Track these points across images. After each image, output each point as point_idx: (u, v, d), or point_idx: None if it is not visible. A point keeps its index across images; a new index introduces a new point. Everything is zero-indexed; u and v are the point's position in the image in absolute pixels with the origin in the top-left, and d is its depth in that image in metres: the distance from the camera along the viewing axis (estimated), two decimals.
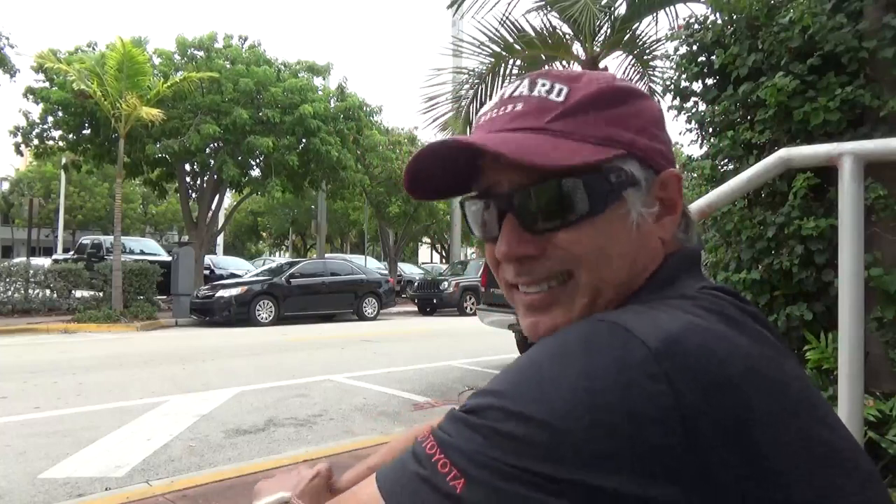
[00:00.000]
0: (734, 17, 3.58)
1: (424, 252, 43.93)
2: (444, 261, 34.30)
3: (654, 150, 0.61)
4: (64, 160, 18.88)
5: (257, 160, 17.99)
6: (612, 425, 0.44)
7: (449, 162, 0.62)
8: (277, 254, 47.24)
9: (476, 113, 6.82)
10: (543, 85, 0.61)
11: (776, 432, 0.46)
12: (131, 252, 19.16)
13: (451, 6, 7.23)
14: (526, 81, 0.63)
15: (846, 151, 1.37)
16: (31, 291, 14.56)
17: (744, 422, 0.45)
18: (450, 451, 0.47)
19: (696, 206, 1.65)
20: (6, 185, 42.27)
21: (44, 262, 18.67)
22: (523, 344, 7.47)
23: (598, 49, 6.94)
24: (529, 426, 0.45)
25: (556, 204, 0.58)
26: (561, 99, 0.60)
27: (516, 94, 0.62)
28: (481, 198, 0.63)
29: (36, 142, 16.82)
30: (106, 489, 3.64)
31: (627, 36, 7.03)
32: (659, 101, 7.28)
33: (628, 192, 0.59)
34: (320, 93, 18.36)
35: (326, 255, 25.60)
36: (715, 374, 0.46)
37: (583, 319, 0.54)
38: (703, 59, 3.76)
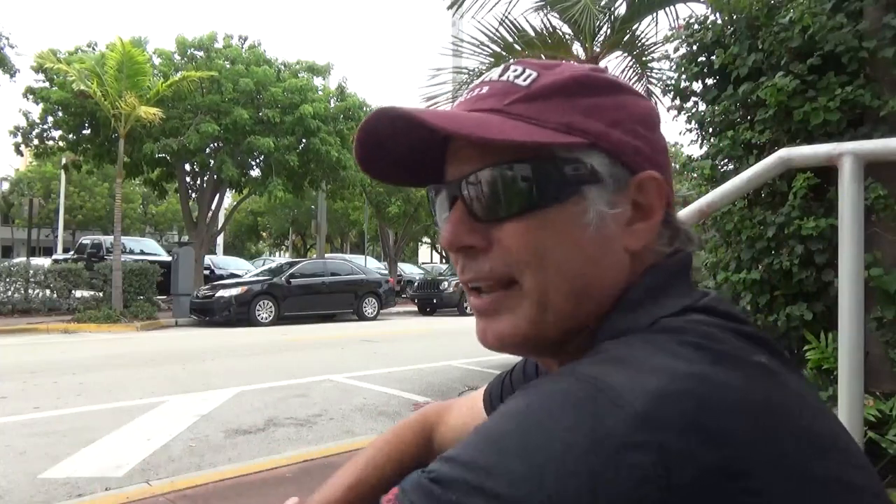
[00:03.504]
0: (734, 17, 3.58)
1: (424, 252, 43.95)
2: (444, 261, 34.32)
3: (631, 146, 0.55)
4: (64, 160, 18.91)
5: (257, 160, 18.03)
6: None
7: (402, 143, 0.58)
8: (277, 254, 47.25)
9: None
10: (515, 71, 0.57)
11: (784, 477, 0.42)
12: (131, 252, 19.16)
13: (451, 6, 7.23)
14: (500, 68, 0.59)
15: (846, 151, 1.37)
16: (31, 291, 14.57)
17: (751, 476, 0.41)
18: None
19: (696, 206, 1.65)
20: (6, 185, 42.30)
21: (44, 262, 18.70)
22: None
23: (597, 49, 6.94)
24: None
25: (502, 190, 0.53)
26: (526, 83, 0.56)
27: (486, 78, 0.59)
28: (439, 184, 0.60)
29: (36, 142, 16.85)
30: (106, 489, 3.64)
31: (627, 36, 7.03)
32: (657, 101, 7.30)
33: (588, 189, 0.53)
34: (320, 93, 18.40)
35: (326, 255, 25.61)
36: (714, 432, 0.41)
37: (560, 373, 0.48)
38: (703, 59, 3.76)
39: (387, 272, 21.90)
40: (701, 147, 3.93)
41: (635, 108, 0.57)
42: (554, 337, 0.55)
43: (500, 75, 0.58)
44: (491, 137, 0.51)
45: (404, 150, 0.59)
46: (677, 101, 4.01)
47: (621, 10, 6.86)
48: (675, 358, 0.45)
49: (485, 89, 0.58)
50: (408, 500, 0.46)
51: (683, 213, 1.64)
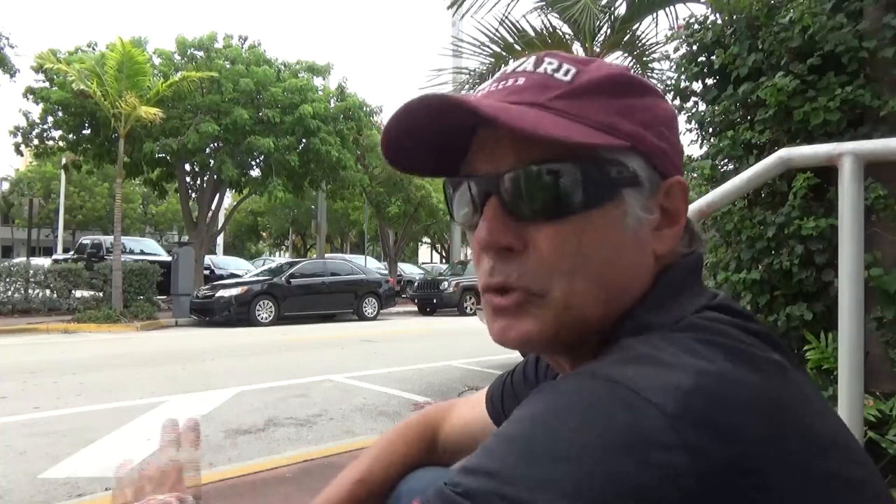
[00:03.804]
0: (734, 17, 3.58)
1: (424, 252, 43.94)
2: (444, 261, 34.32)
3: (662, 150, 0.56)
4: (64, 160, 18.91)
5: (257, 160, 18.03)
6: None
7: (433, 128, 0.55)
8: (277, 254, 47.24)
9: None
10: (550, 63, 0.56)
11: (794, 474, 0.43)
12: (131, 252, 19.16)
13: (451, 6, 7.23)
14: (532, 58, 0.57)
15: (846, 151, 1.37)
16: (31, 291, 14.56)
17: (767, 473, 0.42)
18: None
19: (696, 206, 1.65)
20: (6, 185, 42.29)
21: (44, 262, 18.69)
22: None
23: (598, 49, 6.94)
24: None
25: (547, 190, 0.52)
26: (567, 78, 0.54)
27: (519, 69, 0.57)
28: (466, 177, 0.57)
29: (36, 142, 16.85)
30: (106, 489, 3.63)
31: (627, 36, 7.04)
32: None
33: (628, 192, 0.53)
34: (320, 93, 18.40)
35: (326, 255, 25.61)
36: (737, 430, 0.42)
37: (580, 374, 0.47)
38: (703, 59, 3.76)
39: (387, 272, 21.89)
40: (701, 147, 3.93)
41: (661, 111, 0.57)
42: (577, 337, 0.55)
43: (536, 67, 0.56)
44: (555, 135, 0.49)
45: (430, 141, 0.57)
46: (677, 101, 4.01)
47: (621, 10, 6.87)
48: (694, 355, 0.45)
49: (520, 80, 0.55)
50: None
51: None
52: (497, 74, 0.59)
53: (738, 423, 0.42)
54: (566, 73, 0.55)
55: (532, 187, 0.52)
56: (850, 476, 0.46)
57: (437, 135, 0.56)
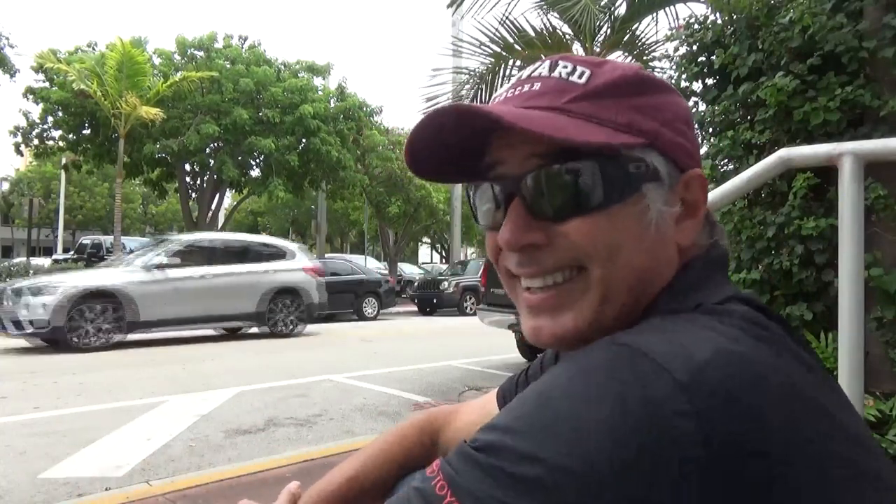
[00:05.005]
0: (734, 17, 3.58)
1: (424, 252, 43.93)
2: (444, 261, 34.31)
3: (680, 145, 0.57)
4: (64, 160, 18.94)
5: (257, 160, 18.06)
6: (634, 470, 0.41)
7: (454, 136, 0.57)
8: None
9: None
10: (565, 67, 0.58)
11: (809, 462, 0.43)
12: (131, 252, 19.14)
13: (450, 6, 7.23)
14: (547, 63, 0.59)
15: (846, 151, 1.37)
16: None
17: (779, 458, 0.42)
18: (460, 493, 0.45)
19: None
20: (6, 185, 42.30)
21: (44, 262, 18.71)
22: (523, 344, 7.45)
23: (598, 49, 6.94)
24: (542, 469, 0.42)
25: (568, 189, 0.54)
26: (583, 81, 0.56)
27: (535, 74, 0.59)
28: (488, 180, 0.59)
29: (36, 142, 16.89)
30: (106, 489, 3.63)
31: (627, 36, 7.04)
32: None
33: (648, 187, 0.55)
34: (320, 93, 18.44)
35: (326, 255, 25.61)
36: (750, 408, 0.42)
37: (600, 342, 0.49)
38: (703, 59, 3.76)
39: (387, 272, 21.88)
40: (701, 147, 3.93)
41: (678, 108, 0.59)
42: (606, 331, 0.55)
43: (551, 71, 0.58)
44: (575, 138, 0.51)
45: (452, 149, 0.59)
46: None
47: (621, 10, 6.87)
48: (719, 334, 0.47)
49: (536, 86, 0.57)
50: (450, 467, 0.47)
51: None
52: (513, 80, 0.61)
53: (760, 405, 0.43)
54: (581, 76, 0.57)
55: (553, 186, 0.54)
56: (867, 468, 0.47)
57: (457, 143, 0.58)
